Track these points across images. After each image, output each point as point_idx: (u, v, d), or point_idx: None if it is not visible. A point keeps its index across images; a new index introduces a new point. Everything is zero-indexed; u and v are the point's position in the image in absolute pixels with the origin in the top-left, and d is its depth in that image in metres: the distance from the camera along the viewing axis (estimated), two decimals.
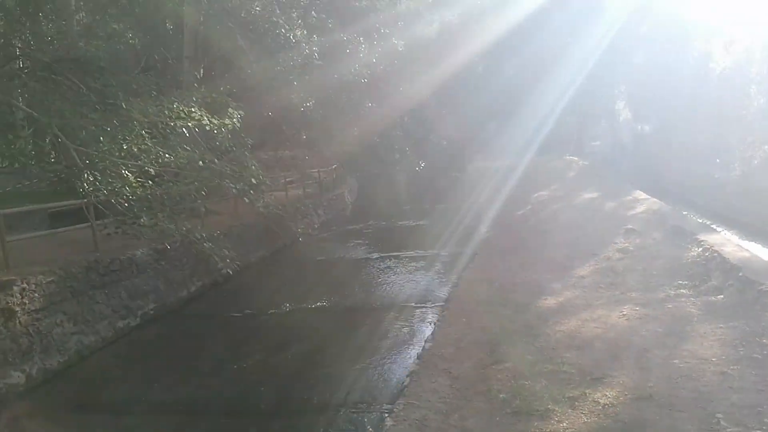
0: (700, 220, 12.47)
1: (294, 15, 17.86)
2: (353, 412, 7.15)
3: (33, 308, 10.20)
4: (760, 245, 10.12)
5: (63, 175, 8.57)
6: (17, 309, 9.88)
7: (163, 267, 14.21)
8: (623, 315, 7.45)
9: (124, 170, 9.11)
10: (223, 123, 9.61)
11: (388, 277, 15.57)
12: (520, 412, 5.17)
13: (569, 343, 6.67)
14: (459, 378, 6.19)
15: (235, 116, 9.59)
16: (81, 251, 12.60)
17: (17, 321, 9.80)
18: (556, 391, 5.46)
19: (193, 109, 9.54)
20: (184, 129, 9.33)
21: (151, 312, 13.15)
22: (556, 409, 5.13)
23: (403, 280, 14.80)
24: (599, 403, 5.13)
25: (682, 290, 8.64)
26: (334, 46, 19.69)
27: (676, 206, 15.07)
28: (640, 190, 18.71)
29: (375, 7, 23.53)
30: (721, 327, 6.50)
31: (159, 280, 13.90)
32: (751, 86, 25.10)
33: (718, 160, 19.55)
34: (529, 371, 6.01)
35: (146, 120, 9.16)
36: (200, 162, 9.48)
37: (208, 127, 9.65)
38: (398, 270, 16.18)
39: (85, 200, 13.36)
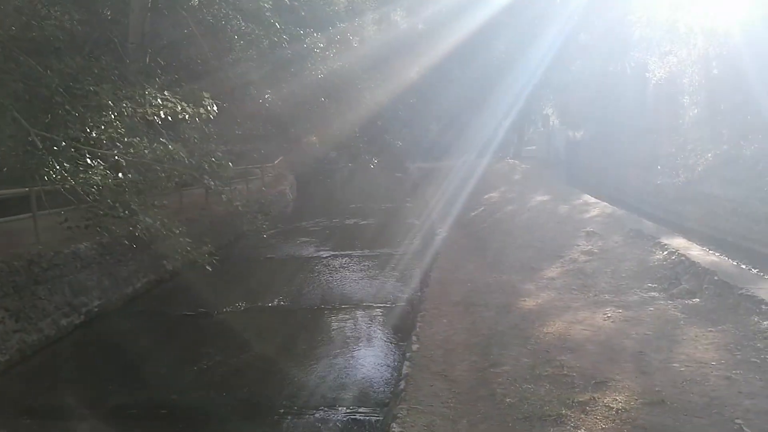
0: (653, 225, 12.75)
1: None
2: (348, 415, 6.86)
3: None
4: (710, 250, 10.39)
5: (19, 163, 7.79)
6: None
7: (108, 262, 13.45)
8: (608, 317, 7.46)
9: (92, 159, 8.42)
10: (198, 112, 9.04)
11: (345, 276, 15.30)
12: (532, 418, 5.02)
13: (561, 346, 6.59)
14: (457, 382, 6.00)
15: (211, 106, 9.03)
16: (21, 244, 11.75)
17: None
18: (563, 395, 5.35)
19: (167, 96, 8.93)
20: (155, 117, 8.71)
21: (96, 309, 12.42)
22: (569, 414, 5.01)
23: (362, 280, 14.56)
24: (611, 407, 5.04)
25: (652, 293, 8.78)
26: (295, 47, 19.25)
27: (623, 211, 15.41)
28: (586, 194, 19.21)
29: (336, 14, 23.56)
30: (710, 330, 6.57)
31: (104, 275, 13.13)
32: (684, 96, 26.25)
33: (659, 167, 20.24)
34: (530, 375, 5.89)
35: (117, 106, 8.49)
36: (178, 154, 8.88)
37: (180, 116, 9.06)
38: (354, 269, 15.93)
39: (27, 189, 12.48)
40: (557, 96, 39.45)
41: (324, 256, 18.10)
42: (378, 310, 12.44)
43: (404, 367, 6.52)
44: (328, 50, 20.81)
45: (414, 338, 7.43)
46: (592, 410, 5.05)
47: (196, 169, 9.40)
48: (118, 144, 8.81)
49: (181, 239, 9.30)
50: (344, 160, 40.85)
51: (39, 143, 7.43)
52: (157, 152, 8.57)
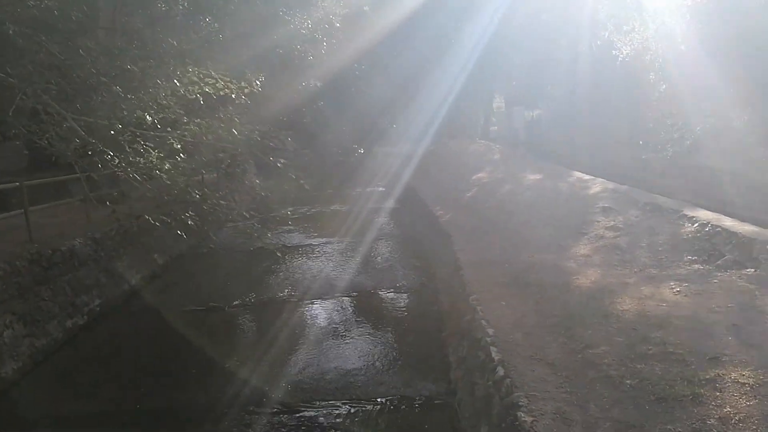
0: (665, 199, 12.84)
1: None
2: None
3: None
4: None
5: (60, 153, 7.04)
6: None
7: (103, 258, 12.72)
8: (678, 291, 7.37)
9: (144, 143, 7.72)
10: (242, 88, 8.39)
11: (349, 262, 14.89)
12: (666, 399, 4.82)
13: (646, 323, 6.44)
14: (558, 365, 5.75)
15: (255, 81, 8.37)
16: (14, 241, 10.92)
17: None
18: (685, 374, 5.17)
19: (211, 72, 8.24)
20: (198, 95, 8.05)
21: (97, 309, 11.70)
22: (703, 392, 4.83)
23: (369, 266, 14.19)
24: (743, 383, 4.89)
25: (696, 266, 8.77)
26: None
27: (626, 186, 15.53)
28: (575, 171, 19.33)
29: None
30: None
31: (100, 272, 12.41)
32: (650, 73, 26.76)
33: (641, 143, 20.53)
34: (634, 354, 5.70)
35: (167, 86, 7.79)
36: (233, 134, 8.21)
37: (223, 93, 8.39)
38: (355, 255, 15.56)
39: (18, 183, 11.63)
40: (511, 77, 39.62)
41: (316, 243, 17.64)
42: (402, 295, 12.20)
43: (492, 352, 6.22)
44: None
45: (484, 322, 7.14)
46: (725, 387, 4.89)
47: (260, 147, 8.69)
48: (169, 127, 8.12)
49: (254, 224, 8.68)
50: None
51: (79, 129, 6.74)
52: (222, 132, 7.90)
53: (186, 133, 7.82)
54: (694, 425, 4.39)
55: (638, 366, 5.45)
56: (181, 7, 17.30)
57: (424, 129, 36.34)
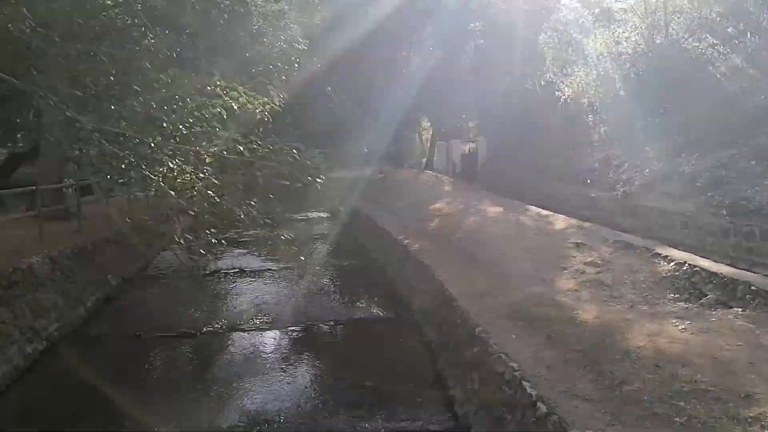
0: (631, 236, 13.38)
1: None
2: None
3: None
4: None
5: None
6: None
7: (59, 279, 11.94)
8: (684, 329, 7.62)
9: (173, 159, 7.21)
10: (263, 102, 8.04)
11: (321, 290, 14.64)
12: None
13: (667, 360, 6.60)
14: (597, 401, 5.78)
15: (277, 97, 8.04)
16: None
17: None
18: (729, 411, 5.34)
19: (235, 85, 7.86)
20: (220, 109, 7.64)
21: (56, 333, 10.91)
22: (755, 430, 5.00)
23: (338, 294, 13.96)
24: None
25: (680, 303, 9.14)
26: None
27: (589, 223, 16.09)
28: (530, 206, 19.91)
29: None
30: None
31: (57, 294, 11.61)
32: (589, 115, 28.09)
33: (588, 181, 21.34)
34: (670, 392, 5.81)
35: (198, 96, 7.35)
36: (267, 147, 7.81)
37: (249, 107, 8.01)
38: (322, 282, 15.31)
39: None
40: (450, 110, 40.46)
41: (274, 268, 17.20)
42: (379, 326, 12.07)
43: (526, 387, 6.19)
44: None
45: (503, 356, 7.12)
46: None
47: (298, 168, 8.35)
48: (205, 141, 7.66)
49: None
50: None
51: (103, 144, 6.25)
52: (252, 146, 7.51)
53: (215, 146, 7.46)
54: None
55: (680, 404, 5.56)
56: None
57: (367, 156, 36.56)
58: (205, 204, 7.63)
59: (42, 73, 6.35)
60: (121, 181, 8.23)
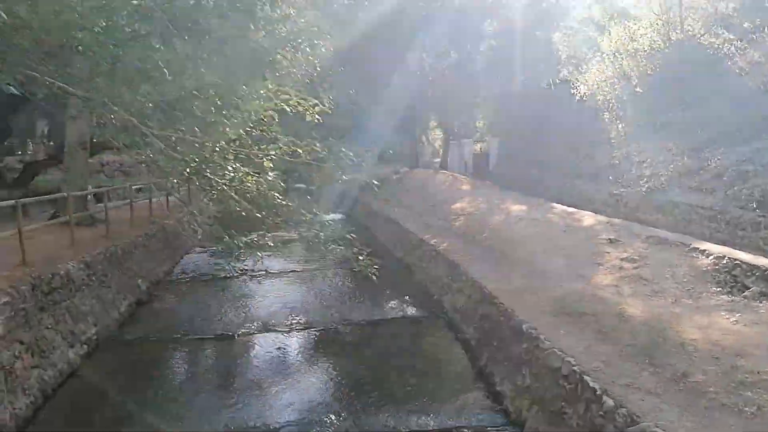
0: (663, 231, 13.32)
1: None
2: None
3: None
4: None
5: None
6: None
7: (94, 284, 11.95)
8: (735, 321, 7.59)
9: (235, 163, 7.25)
10: (313, 105, 8.02)
11: (345, 292, 14.65)
12: None
13: (723, 352, 6.58)
14: (663, 395, 5.78)
15: (327, 100, 8.03)
16: (8, 264, 10.08)
17: None
18: None
19: (288, 90, 7.88)
20: (273, 112, 7.66)
21: (95, 338, 10.95)
22: None
23: (373, 293, 13.92)
24: None
25: (724, 296, 9.08)
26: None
27: (618, 219, 16.04)
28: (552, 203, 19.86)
29: None
30: None
31: (94, 299, 11.63)
32: (605, 113, 28.05)
33: (610, 178, 21.31)
34: (733, 382, 5.81)
35: (258, 100, 7.37)
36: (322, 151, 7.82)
37: (296, 110, 8.00)
38: (346, 283, 15.31)
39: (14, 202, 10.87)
40: (462, 109, 40.42)
41: (299, 269, 17.25)
42: (415, 326, 12.08)
43: (588, 381, 6.18)
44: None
45: (557, 351, 7.11)
46: None
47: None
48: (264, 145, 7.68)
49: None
50: None
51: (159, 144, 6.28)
52: (312, 148, 7.50)
53: (274, 150, 7.47)
54: None
55: (747, 394, 5.56)
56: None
57: (382, 156, 36.52)
58: (272, 208, 7.66)
59: (101, 79, 6.37)
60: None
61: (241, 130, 7.24)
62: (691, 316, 8.00)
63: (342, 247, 8.48)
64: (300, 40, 17.92)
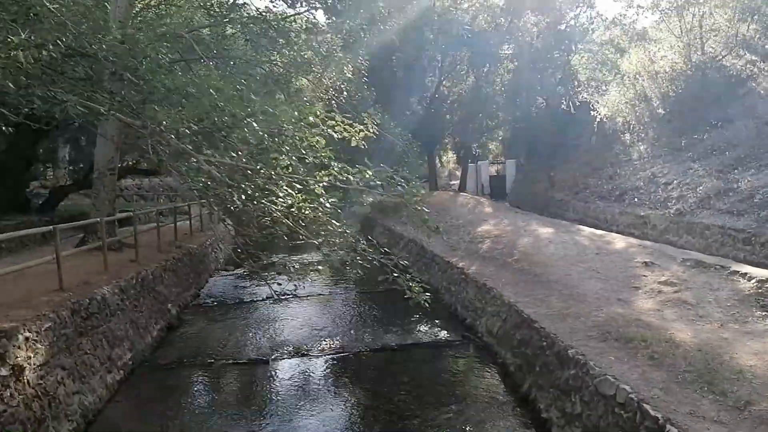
0: (699, 254, 13.18)
1: None
2: None
3: (37, 363, 7.94)
4: None
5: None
6: (25, 365, 7.59)
7: (128, 308, 11.93)
8: None
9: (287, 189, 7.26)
10: (356, 132, 8.01)
11: (378, 313, 14.55)
12: None
13: None
14: (729, 424, 5.64)
15: (372, 124, 8.01)
16: (46, 289, 10.09)
17: (26, 380, 7.52)
18: None
19: (334, 115, 7.91)
20: (319, 138, 7.66)
21: (130, 363, 10.90)
22: None
23: (402, 317, 13.80)
24: None
25: None
26: None
27: (649, 242, 15.93)
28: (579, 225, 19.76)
29: None
30: None
31: (128, 323, 11.60)
32: (626, 134, 28.04)
33: (636, 199, 21.18)
34: None
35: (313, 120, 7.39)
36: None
37: (344, 135, 8.00)
38: (375, 307, 15.22)
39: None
40: (481, 131, 40.53)
41: (325, 293, 17.17)
42: (448, 350, 11.96)
43: (648, 409, 6.04)
44: None
45: (610, 378, 6.97)
46: None
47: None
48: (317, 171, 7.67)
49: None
50: None
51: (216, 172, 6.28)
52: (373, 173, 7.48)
53: (327, 177, 7.46)
54: None
55: None
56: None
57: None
58: (329, 235, 7.67)
59: (155, 106, 6.42)
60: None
61: (294, 156, 7.24)
62: (743, 342, 7.86)
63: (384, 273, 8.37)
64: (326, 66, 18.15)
